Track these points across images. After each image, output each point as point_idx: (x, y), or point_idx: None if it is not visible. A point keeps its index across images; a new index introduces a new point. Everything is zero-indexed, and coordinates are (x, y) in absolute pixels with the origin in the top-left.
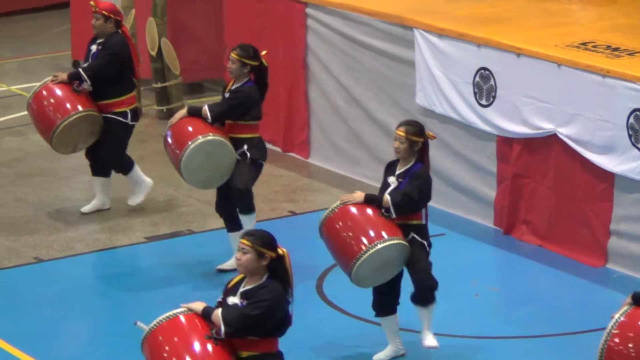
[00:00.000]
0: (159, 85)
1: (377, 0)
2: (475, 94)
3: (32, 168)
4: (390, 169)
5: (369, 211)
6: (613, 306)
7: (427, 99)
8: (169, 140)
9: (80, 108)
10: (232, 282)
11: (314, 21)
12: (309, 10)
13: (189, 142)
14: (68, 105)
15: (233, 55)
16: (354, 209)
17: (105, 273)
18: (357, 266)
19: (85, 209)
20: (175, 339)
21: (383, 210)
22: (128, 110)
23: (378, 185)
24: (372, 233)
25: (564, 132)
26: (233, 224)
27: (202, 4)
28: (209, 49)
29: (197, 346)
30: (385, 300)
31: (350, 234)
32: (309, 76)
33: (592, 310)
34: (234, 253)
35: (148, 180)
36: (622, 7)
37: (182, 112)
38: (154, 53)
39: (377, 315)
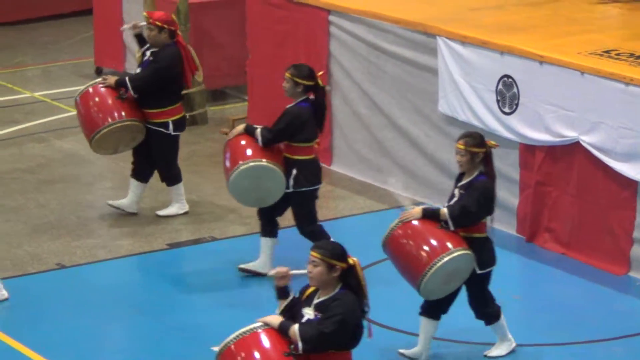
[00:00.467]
0: (183, 92)
1: (401, 8)
2: (498, 101)
3: (54, 174)
4: (457, 180)
5: (430, 225)
6: (636, 314)
7: (449, 106)
8: (226, 154)
9: (124, 116)
10: (307, 293)
11: (337, 28)
12: (332, 18)
13: (239, 163)
14: (114, 113)
15: (287, 74)
16: (415, 223)
17: (128, 279)
18: (425, 281)
19: (112, 202)
20: (256, 355)
21: (443, 223)
22: (170, 121)
23: (402, 192)
24: (437, 246)
25: (586, 139)
26: (269, 229)
27: (225, 10)
28: (232, 55)
29: None
30: (434, 304)
31: (415, 249)
32: (332, 83)
33: (614, 318)
34: (263, 257)
35: (185, 204)
36: None
37: (240, 128)
38: None
39: (421, 313)
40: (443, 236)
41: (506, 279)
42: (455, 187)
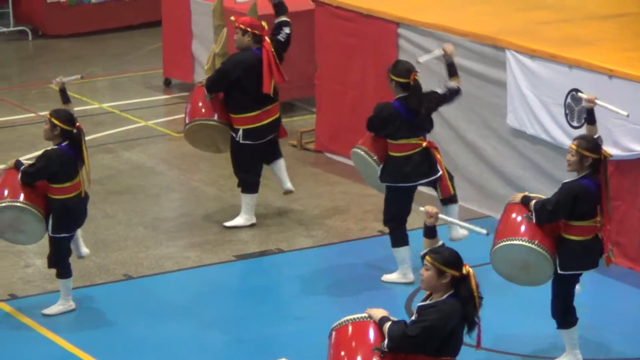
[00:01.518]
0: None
1: (470, 21)
2: (566, 115)
3: (122, 185)
4: None
5: (518, 212)
6: None
7: (518, 120)
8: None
9: (208, 115)
10: (424, 296)
11: (406, 41)
12: (401, 31)
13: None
14: (202, 110)
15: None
16: (511, 207)
17: (194, 291)
18: (493, 250)
19: (228, 223)
20: (352, 344)
21: (529, 213)
22: (240, 129)
23: (470, 206)
24: (504, 231)
25: None
26: (399, 240)
27: (294, 22)
28: (300, 68)
29: (361, 356)
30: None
31: (506, 225)
32: None
33: None
34: (403, 266)
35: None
36: None
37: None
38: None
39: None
40: (518, 224)
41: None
42: None
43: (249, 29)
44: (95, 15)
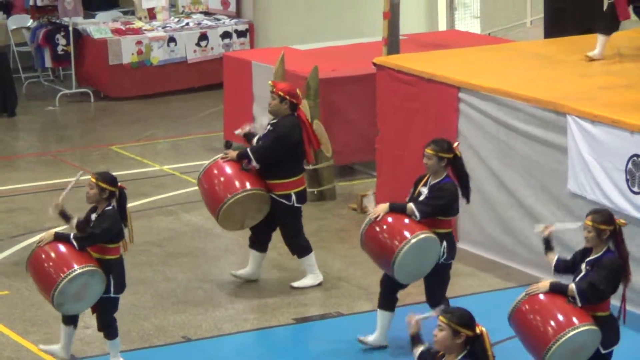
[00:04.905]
0: (311, 167)
1: (531, 86)
2: (627, 180)
3: (182, 247)
4: (583, 255)
5: (557, 299)
6: None
7: (578, 185)
8: (379, 233)
9: (248, 186)
10: (438, 355)
11: (467, 105)
12: (461, 95)
13: (409, 238)
14: (237, 183)
15: (428, 151)
16: (542, 297)
17: (254, 354)
18: (549, 356)
19: (235, 272)
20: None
21: (570, 298)
22: (292, 193)
23: (528, 271)
24: (563, 321)
25: None
26: (388, 302)
27: (355, 86)
28: (361, 131)
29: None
30: None
31: (541, 323)
32: None
33: None
34: (378, 330)
35: (319, 274)
36: None
37: (384, 207)
38: None
39: None
40: (570, 311)
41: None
42: (582, 262)
43: (287, 97)
44: (157, 78)
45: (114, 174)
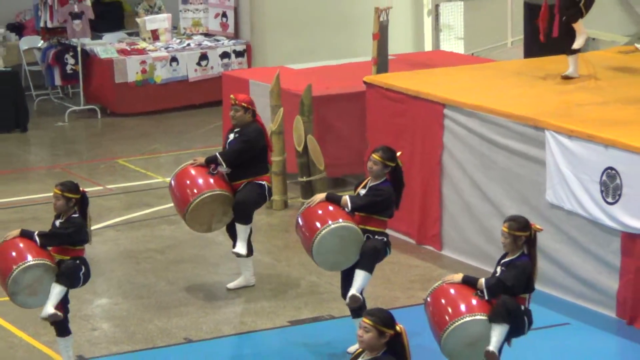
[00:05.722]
0: (305, 179)
1: (512, 103)
2: (602, 192)
3: (183, 255)
4: (501, 259)
5: (465, 290)
6: None
7: (556, 196)
8: (308, 218)
9: (214, 187)
10: (356, 353)
11: (451, 121)
12: (446, 111)
13: (327, 224)
14: (203, 185)
15: (376, 157)
16: (453, 287)
17: (251, 354)
18: (444, 337)
19: (231, 285)
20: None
21: (478, 292)
22: (265, 184)
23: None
24: (463, 307)
25: None
26: (353, 313)
27: (346, 103)
28: (352, 146)
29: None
30: None
31: (444, 307)
32: (444, 173)
33: None
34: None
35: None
36: None
37: (321, 196)
38: (300, 149)
39: None
40: (472, 300)
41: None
42: (498, 265)
43: (250, 107)
44: (160, 95)
45: (121, 185)
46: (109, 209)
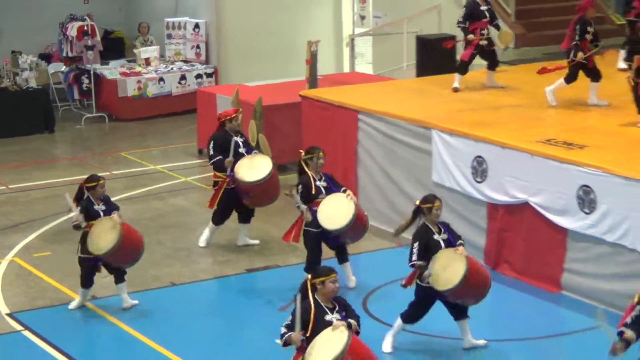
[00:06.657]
0: None
1: (408, 110)
2: (473, 174)
3: (170, 222)
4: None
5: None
6: (564, 318)
7: (440, 177)
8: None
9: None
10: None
11: (364, 124)
12: (360, 116)
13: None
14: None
15: (324, 155)
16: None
17: (220, 294)
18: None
19: (239, 242)
20: None
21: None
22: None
23: (405, 235)
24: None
25: (533, 200)
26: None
27: (288, 111)
28: (292, 141)
29: None
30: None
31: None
32: (359, 162)
33: (547, 320)
34: (346, 280)
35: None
36: (579, 114)
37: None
38: (254, 144)
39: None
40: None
41: None
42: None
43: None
44: (151, 106)
45: (123, 171)
46: (114, 189)
